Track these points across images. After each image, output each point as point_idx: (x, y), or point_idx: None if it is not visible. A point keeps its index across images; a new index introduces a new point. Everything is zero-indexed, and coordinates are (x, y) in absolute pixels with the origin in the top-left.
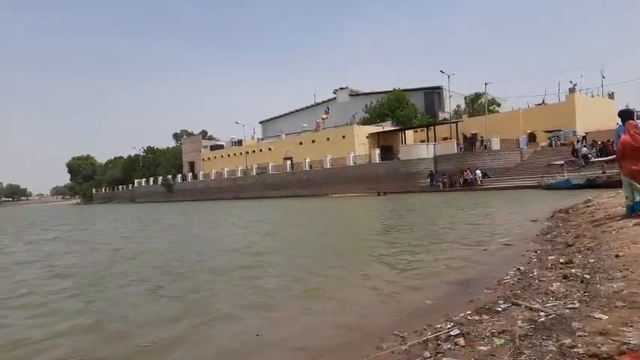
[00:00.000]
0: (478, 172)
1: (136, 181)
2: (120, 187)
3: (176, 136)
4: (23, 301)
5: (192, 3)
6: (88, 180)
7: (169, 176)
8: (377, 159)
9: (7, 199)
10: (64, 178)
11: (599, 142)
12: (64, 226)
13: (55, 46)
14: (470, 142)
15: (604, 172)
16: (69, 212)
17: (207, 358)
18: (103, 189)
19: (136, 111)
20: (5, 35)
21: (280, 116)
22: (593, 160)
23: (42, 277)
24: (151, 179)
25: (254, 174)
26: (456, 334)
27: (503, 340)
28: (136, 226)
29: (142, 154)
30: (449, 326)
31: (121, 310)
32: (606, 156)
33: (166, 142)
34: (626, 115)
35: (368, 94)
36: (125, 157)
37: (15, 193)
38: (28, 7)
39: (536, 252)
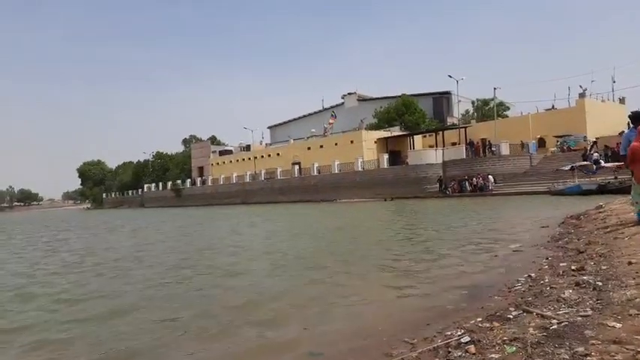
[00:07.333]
0: (491, 177)
1: (145, 185)
2: (130, 191)
3: (185, 142)
4: None
5: (201, 11)
6: (99, 185)
7: (178, 181)
8: (385, 164)
9: (18, 203)
10: (75, 183)
11: (610, 148)
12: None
13: (68, 55)
14: (476, 149)
15: (616, 178)
16: (102, 216)
17: (226, 353)
18: (113, 194)
19: (146, 117)
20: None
21: (288, 121)
22: (604, 165)
23: None
24: (160, 184)
25: (262, 179)
26: (467, 342)
27: (514, 348)
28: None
29: (151, 159)
30: (459, 333)
31: None
32: (618, 161)
33: (175, 148)
34: (637, 117)
35: (376, 99)
36: (135, 162)
37: (27, 197)
38: (41, 18)
39: (547, 258)
